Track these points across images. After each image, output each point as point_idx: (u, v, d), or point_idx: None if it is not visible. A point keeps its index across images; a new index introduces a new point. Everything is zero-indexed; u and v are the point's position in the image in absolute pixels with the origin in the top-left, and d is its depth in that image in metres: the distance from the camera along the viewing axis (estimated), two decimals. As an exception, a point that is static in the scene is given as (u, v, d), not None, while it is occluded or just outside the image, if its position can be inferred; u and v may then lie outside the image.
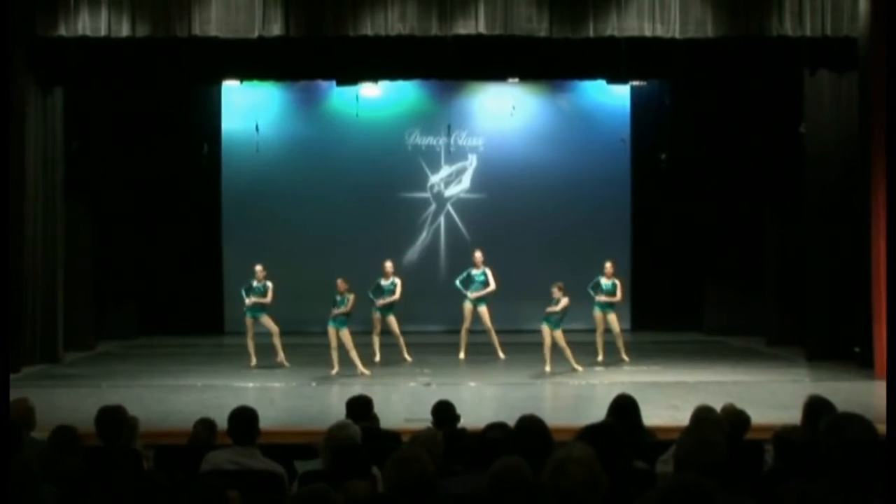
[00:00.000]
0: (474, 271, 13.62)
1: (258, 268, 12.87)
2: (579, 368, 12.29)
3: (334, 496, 3.32)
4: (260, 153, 16.30)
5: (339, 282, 12.37)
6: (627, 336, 14.93)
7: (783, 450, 4.47)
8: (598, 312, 13.16)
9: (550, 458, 3.20)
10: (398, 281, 13.13)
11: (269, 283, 12.87)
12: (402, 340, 13.18)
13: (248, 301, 12.88)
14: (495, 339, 13.42)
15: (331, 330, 12.25)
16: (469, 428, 6.06)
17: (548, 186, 17.04)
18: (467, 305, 13.55)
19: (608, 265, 13.24)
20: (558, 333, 12.20)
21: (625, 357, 13.14)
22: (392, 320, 13.11)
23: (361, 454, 4.31)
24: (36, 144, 13.13)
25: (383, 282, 13.14)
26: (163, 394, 10.94)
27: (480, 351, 13.63)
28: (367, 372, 12.16)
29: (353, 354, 12.17)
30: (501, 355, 13.39)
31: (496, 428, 4.42)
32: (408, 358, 13.16)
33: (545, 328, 12.24)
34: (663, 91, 16.69)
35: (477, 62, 13.45)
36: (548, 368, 12.23)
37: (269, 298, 12.79)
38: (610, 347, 13.23)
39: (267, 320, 12.86)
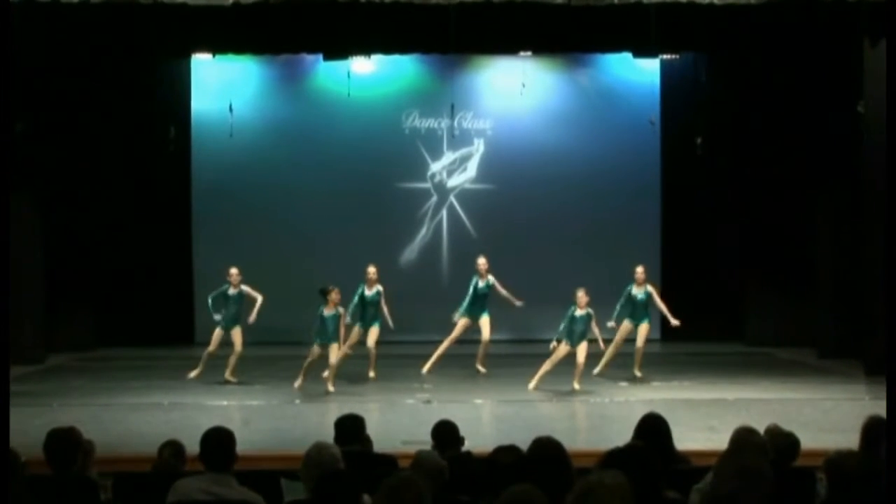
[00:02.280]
0: (480, 283, 13.48)
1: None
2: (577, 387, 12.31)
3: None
4: (235, 137, 16.26)
5: (335, 293, 12.34)
6: (657, 346, 14.94)
7: (837, 479, 4.46)
8: (627, 323, 13.09)
9: (579, 483, 3.20)
10: (381, 289, 13.13)
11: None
12: (374, 354, 13.21)
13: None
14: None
15: (333, 347, 12.22)
16: (475, 452, 6.07)
17: (565, 176, 17.04)
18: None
19: (640, 270, 13.20)
20: (581, 346, 12.24)
21: (638, 372, 13.15)
22: (375, 331, 13.08)
23: (349, 480, 4.30)
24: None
25: (367, 292, 13.09)
26: (123, 413, 10.94)
27: (488, 363, 13.62)
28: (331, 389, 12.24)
29: (333, 373, 12.20)
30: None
31: (505, 451, 4.41)
32: (372, 374, 13.23)
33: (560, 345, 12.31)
34: (698, 65, 16.66)
35: (484, 33, 13.42)
36: (577, 386, 12.24)
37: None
38: (626, 360, 13.22)
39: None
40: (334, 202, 17.02)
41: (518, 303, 13.41)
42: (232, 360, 12.91)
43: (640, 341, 13.10)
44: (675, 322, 12.95)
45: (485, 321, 13.35)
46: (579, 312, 12.24)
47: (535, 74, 16.86)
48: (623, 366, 13.31)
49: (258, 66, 17.06)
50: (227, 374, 12.93)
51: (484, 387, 12.64)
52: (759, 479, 3.55)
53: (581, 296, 12.24)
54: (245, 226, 16.82)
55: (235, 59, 16.44)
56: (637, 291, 13.08)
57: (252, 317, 12.92)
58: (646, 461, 4.22)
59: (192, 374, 13.03)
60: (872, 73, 13.23)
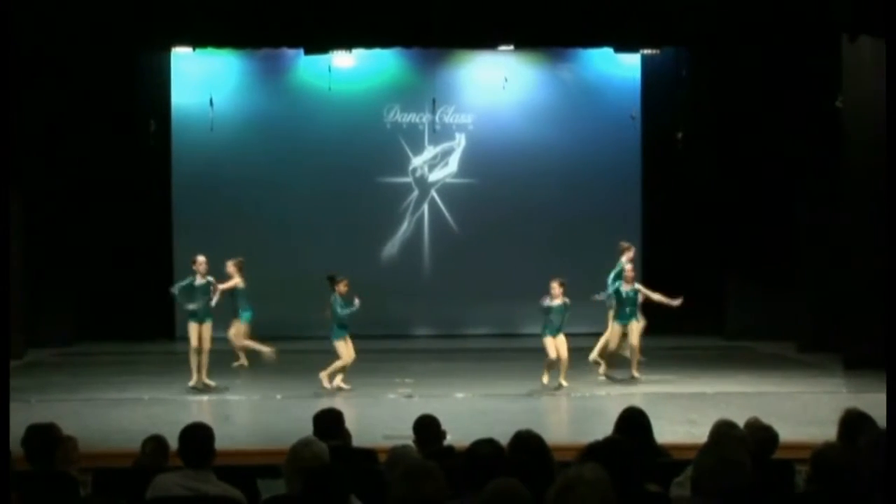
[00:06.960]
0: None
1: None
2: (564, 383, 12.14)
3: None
4: (215, 132, 16.25)
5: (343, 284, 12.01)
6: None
7: (823, 471, 4.46)
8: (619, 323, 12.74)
9: (559, 478, 3.19)
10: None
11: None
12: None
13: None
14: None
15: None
16: (457, 446, 6.06)
17: (547, 170, 17.04)
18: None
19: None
20: (560, 340, 12.07)
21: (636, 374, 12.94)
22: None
23: (336, 477, 4.28)
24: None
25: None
26: (103, 409, 10.89)
27: (470, 357, 13.63)
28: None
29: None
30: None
31: (484, 444, 4.39)
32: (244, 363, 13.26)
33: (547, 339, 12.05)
34: (679, 61, 16.72)
35: (465, 27, 13.40)
36: (563, 382, 12.04)
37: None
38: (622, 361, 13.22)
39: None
40: (315, 197, 16.98)
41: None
42: (204, 361, 12.10)
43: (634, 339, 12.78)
44: (676, 302, 12.78)
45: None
46: (556, 303, 12.00)
47: (517, 69, 16.87)
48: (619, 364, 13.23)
49: (239, 60, 16.98)
50: (204, 378, 12.11)
51: (466, 381, 12.63)
52: (738, 471, 3.55)
53: (555, 286, 11.94)
54: (225, 220, 16.75)
55: (216, 53, 16.36)
56: (627, 289, 12.80)
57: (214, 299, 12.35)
58: (626, 454, 4.23)
59: (191, 382, 12.06)
60: (851, 68, 13.30)
